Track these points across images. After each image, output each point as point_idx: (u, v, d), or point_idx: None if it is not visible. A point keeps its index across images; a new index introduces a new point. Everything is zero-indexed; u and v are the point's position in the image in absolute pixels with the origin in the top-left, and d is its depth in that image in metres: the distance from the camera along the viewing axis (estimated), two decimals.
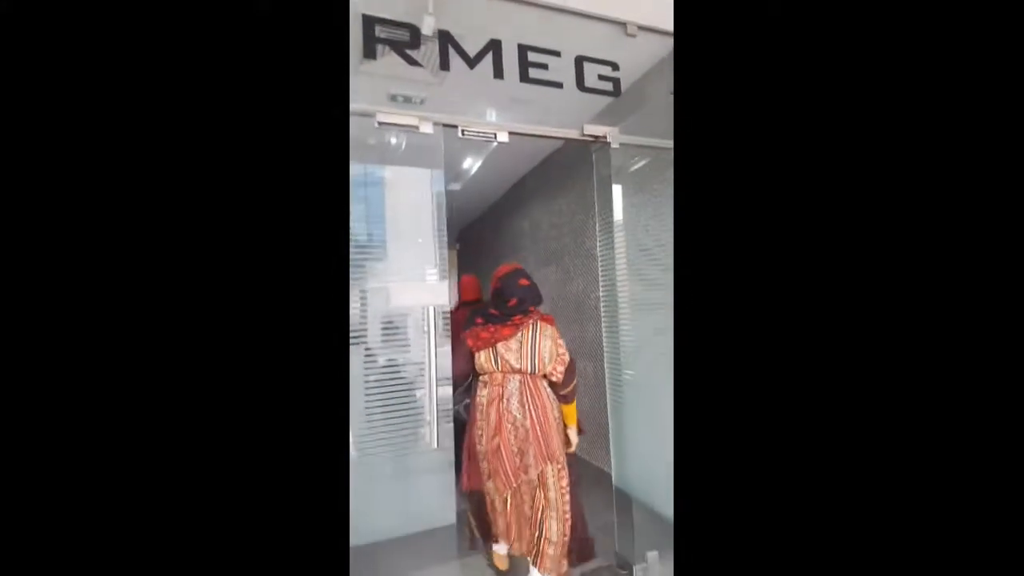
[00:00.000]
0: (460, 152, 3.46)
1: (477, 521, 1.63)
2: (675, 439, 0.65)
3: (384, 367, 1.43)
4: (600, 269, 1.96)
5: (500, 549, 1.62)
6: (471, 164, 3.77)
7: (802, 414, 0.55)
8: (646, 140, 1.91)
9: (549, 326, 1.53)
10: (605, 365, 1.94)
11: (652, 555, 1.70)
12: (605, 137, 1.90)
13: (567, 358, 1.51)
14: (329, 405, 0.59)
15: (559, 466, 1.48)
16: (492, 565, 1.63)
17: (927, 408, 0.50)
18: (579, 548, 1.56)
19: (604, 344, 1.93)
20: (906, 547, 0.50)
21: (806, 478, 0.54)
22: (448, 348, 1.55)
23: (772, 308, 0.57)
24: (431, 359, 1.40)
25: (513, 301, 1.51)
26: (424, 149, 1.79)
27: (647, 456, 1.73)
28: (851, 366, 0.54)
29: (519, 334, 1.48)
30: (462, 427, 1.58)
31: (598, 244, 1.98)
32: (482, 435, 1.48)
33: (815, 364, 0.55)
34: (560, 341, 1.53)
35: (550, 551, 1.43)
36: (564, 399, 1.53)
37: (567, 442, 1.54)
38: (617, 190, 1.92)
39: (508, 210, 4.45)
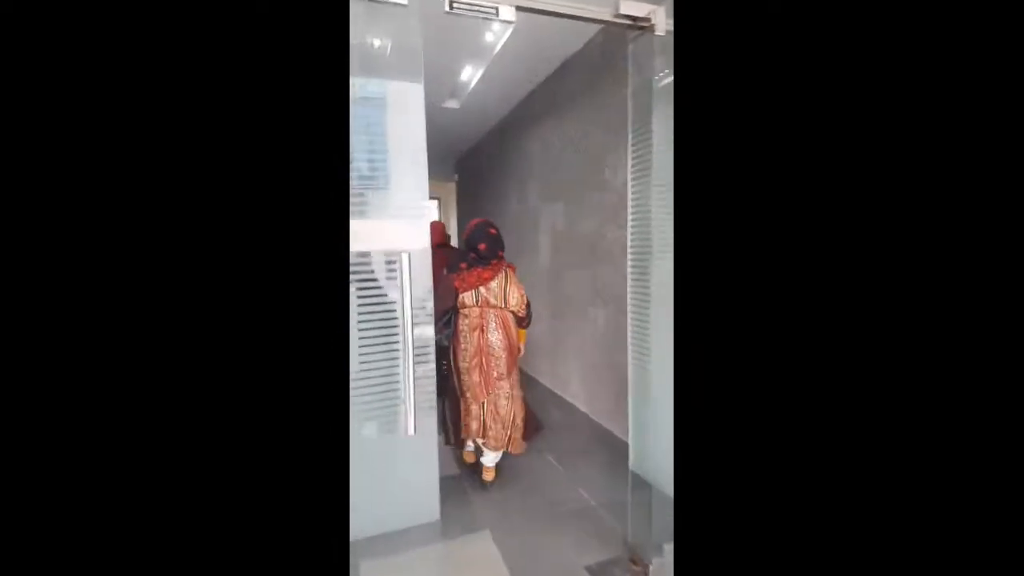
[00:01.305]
0: (455, 58, 2.87)
1: (453, 426, 1.98)
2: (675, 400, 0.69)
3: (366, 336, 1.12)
4: (631, 203, 1.53)
5: (489, 460, 1.98)
6: (471, 75, 3.17)
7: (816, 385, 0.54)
8: None
9: (514, 274, 1.91)
10: (628, 319, 1.58)
11: (669, 548, 1.45)
12: (648, 19, 1.39)
13: (527, 299, 1.93)
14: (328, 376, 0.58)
15: (516, 376, 1.95)
16: (462, 461, 2.12)
17: (927, 381, 0.50)
18: (528, 430, 2.03)
19: (629, 293, 1.56)
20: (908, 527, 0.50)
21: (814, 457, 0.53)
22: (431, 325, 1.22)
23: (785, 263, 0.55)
24: (407, 329, 1.03)
25: (483, 246, 1.83)
26: (402, 54, 1.32)
27: (671, 432, 1.43)
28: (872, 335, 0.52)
29: (497, 278, 1.84)
30: (443, 352, 1.88)
31: (630, 172, 1.54)
32: (465, 355, 1.86)
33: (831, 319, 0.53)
34: (521, 285, 1.91)
35: (516, 435, 1.94)
36: (523, 326, 1.99)
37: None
38: (657, 100, 1.44)
39: (513, 133, 3.88)
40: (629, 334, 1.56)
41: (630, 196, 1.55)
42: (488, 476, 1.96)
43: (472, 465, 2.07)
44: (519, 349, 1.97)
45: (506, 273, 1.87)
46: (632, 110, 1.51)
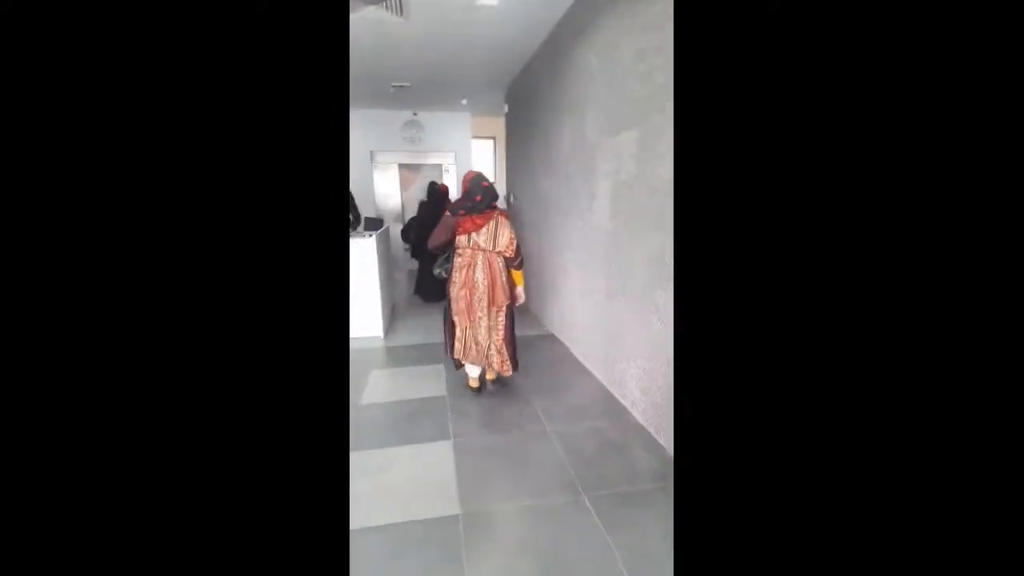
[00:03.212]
0: None
1: (448, 342, 2.41)
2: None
3: None
4: None
5: (472, 372, 2.44)
6: None
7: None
8: None
9: (505, 219, 2.28)
10: None
11: None
12: None
13: (516, 242, 2.29)
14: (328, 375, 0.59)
15: (500, 310, 2.30)
16: (468, 386, 2.48)
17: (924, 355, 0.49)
18: (513, 362, 2.38)
19: None
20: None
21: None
22: None
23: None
24: None
25: (478, 198, 2.20)
26: None
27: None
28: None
29: (488, 224, 2.23)
30: (443, 283, 2.42)
31: None
32: (455, 287, 2.28)
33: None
34: (512, 230, 2.29)
35: (495, 360, 2.36)
36: (516, 267, 2.34)
37: (512, 296, 2.35)
38: None
39: (567, 42, 2.94)
40: None
41: None
42: (472, 384, 2.46)
43: (476, 389, 2.45)
44: (510, 291, 2.32)
45: (497, 220, 2.24)
46: None
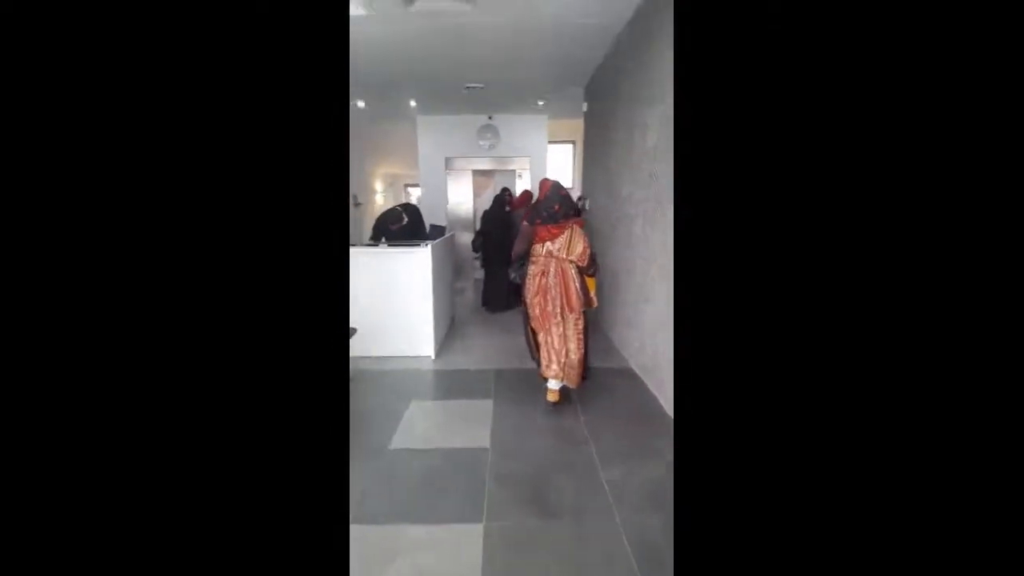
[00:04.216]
0: None
1: (531, 346, 2.48)
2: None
3: None
4: None
5: (553, 385, 2.39)
6: None
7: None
8: None
9: (580, 229, 2.34)
10: None
11: None
12: None
13: (590, 250, 2.33)
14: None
15: (576, 315, 2.34)
16: (547, 400, 2.39)
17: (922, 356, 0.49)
18: (585, 371, 2.43)
19: None
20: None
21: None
22: None
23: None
24: None
25: (557, 207, 2.29)
26: None
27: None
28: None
29: (564, 234, 2.30)
30: (518, 288, 2.52)
31: None
32: (529, 293, 2.37)
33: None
34: (587, 239, 2.35)
35: (570, 369, 2.36)
36: (589, 275, 2.38)
37: (586, 301, 2.34)
38: None
39: (655, 17, 2.35)
40: None
41: None
42: (551, 397, 2.37)
43: (555, 403, 2.36)
44: (583, 298, 2.32)
45: (572, 230, 2.31)
46: None
